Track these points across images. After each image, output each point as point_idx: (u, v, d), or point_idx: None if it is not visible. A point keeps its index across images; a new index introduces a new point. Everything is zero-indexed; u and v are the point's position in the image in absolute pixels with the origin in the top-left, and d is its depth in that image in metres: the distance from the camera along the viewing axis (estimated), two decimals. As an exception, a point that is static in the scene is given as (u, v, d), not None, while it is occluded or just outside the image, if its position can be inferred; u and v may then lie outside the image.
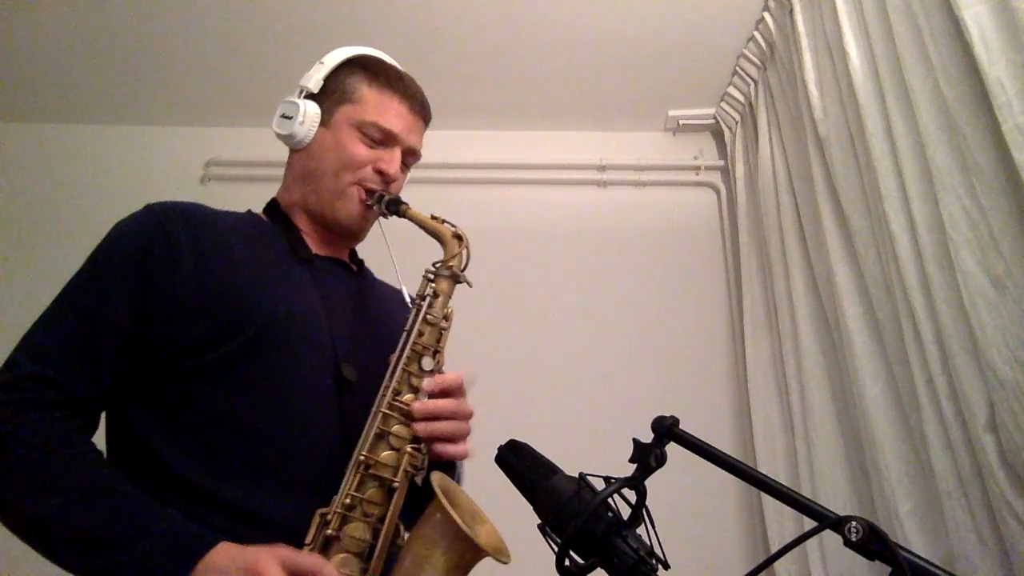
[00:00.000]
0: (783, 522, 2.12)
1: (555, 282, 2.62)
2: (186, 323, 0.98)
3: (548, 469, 0.84)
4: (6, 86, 2.55)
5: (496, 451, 0.88)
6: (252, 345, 0.99)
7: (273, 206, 1.22)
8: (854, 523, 0.64)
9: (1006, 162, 1.37)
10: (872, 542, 0.64)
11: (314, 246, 1.18)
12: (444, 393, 1.05)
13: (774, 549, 1.93)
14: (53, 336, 0.97)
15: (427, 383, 1.04)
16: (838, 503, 1.91)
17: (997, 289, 1.40)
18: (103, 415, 1.02)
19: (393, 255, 1.27)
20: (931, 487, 1.60)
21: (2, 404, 0.91)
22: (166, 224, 1.03)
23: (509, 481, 0.86)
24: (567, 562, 0.73)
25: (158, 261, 1.00)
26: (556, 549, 0.74)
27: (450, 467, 1.09)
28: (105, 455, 0.98)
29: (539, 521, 0.80)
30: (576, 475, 0.80)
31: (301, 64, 1.24)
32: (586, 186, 2.77)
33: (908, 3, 1.61)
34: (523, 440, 0.89)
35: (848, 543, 0.65)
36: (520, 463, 0.85)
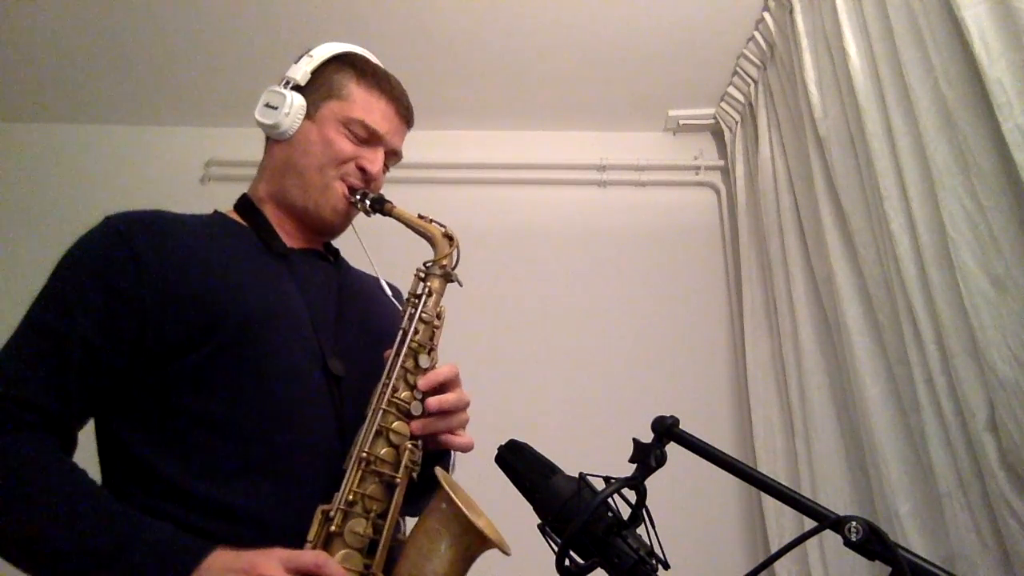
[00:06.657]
0: (783, 522, 2.12)
1: (555, 282, 2.62)
2: (159, 329, 0.96)
3: (548, 469, 0.84)
4: (6, 86, 2.55)
5: (496, 451, 0.88)
6: (230, 346, 0.98)
7: (243, 203, 1.19)
8: (854, 523, 0.64)
9: (1006, 162, 1.38)
10: (872, 542, 0.64)
11: (287, 239, 1.16)
12: (442, 387, 1.05)
13: (774, 549, 1.93)
14: (19, 357, 0.94)
15: (423, 381, 1.04)
16: (838, 503, 1.91)
17: (997, 289, 1.40)
18: (92, 428, 1.00)
19: (367, 253, 1.24)
20: (931, 487, 1.60)
21: None
22: (126, 233, 1.00)
23: (509, 481, 0.86)
24: (567, 562, 0.73)
25: (121, 271, 0.97)
26: (556, 549, 0.74)
27: (440, 458, 1.09)
28: (100, 467, 0.97)
29: (539, 521, 0.80)
30: (576, 475, 0.80)
31: (301, 64, 1.24)
32: (586, 186, 2.77)
33: (908, 3, 1.61)
34: (523, 440, 0.89)
35: (848, 543, 0.65)
36: (520, 463, 0.85)
